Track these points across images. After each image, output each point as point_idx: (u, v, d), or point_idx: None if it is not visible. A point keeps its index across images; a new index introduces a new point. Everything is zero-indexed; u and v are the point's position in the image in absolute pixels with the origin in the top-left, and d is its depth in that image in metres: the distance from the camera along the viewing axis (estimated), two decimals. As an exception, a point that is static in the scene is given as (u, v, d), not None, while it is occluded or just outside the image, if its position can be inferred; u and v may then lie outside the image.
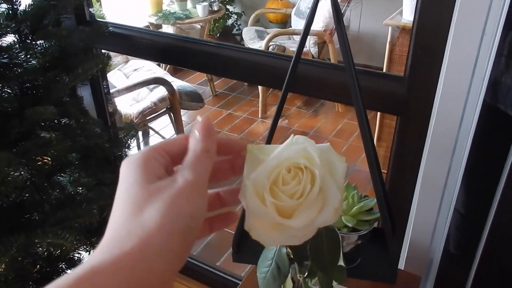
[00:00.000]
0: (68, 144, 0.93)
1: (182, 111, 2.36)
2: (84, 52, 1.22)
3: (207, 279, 1.66)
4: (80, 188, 1.18)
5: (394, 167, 0.93)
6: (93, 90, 1.47)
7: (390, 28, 2.31)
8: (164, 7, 3.38)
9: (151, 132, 2.74)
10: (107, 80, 1.52)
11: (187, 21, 3.24)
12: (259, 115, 3.09)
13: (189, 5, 3.40)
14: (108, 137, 1.20)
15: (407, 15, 2.30)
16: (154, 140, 2.72)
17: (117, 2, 3.22)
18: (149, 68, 2.53)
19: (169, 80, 2.26)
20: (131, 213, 0.27)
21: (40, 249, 0.81)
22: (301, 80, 1.01)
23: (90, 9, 1.37)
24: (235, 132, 2.91)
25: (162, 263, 0.26)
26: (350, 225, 0.61)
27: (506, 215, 0.61)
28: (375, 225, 0.70)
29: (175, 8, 3.35)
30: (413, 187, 0.90)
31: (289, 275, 0.45)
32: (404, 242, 0.89)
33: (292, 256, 0.39)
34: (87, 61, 1.17)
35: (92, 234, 1.23)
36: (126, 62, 2.63)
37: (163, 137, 2.57)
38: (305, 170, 0.31)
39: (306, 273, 0.45)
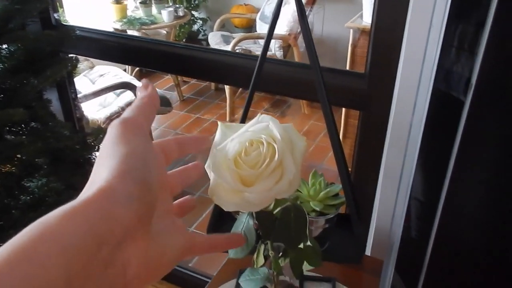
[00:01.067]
0: (39, 146, 0.94)
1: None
2: (51, 56, 1.22)
3: (180, 280, 1.67)
4: (49, 192, 1.18)
5: (359, 159, 0.98)
6: (60, 94, 1.47)
7: (351, 30, 2.39)
8: (129, 13, 3.37)
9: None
10: (74, 85, 1.52)
11: (152, 26, 3.24)
12: (227, 118, 3.12)
13: (154, 10, 3.40)
14: (77, 140, 1.21)
15: (367, 18, 2.39)
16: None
17: (80, 8, 3.19)
18: (115, 74, 2.52)
19: (136, 85, 2.26)
20: (96, 165, 0.27)
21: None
22: (268, 79, 1.04)
23: (55, 14, 1.37)
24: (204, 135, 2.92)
25: (120, 208, 0.24)
26: (317, 209, 0.65)
27: (455, 199, 0.65)
28: (342, 211, 0.74)
29: (139, 14, 3.35)
30: (377, 177, 0.95)
31: (262, 252, 0.48)
32: (370, 229, 0.94)
33: (259, 231, 0.42)
34: (54, 64, 1.18)
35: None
36: (92, 68, 2.61)
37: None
38: (267, 144, 0.35)
39: (280, 254, 0.49)
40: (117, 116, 1.54)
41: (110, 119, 2.14)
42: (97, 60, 2.65)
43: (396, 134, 0.89)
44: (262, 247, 0.48)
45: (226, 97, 3.21)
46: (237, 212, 0.71)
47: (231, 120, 3.12)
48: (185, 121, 3.11)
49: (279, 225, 0.42)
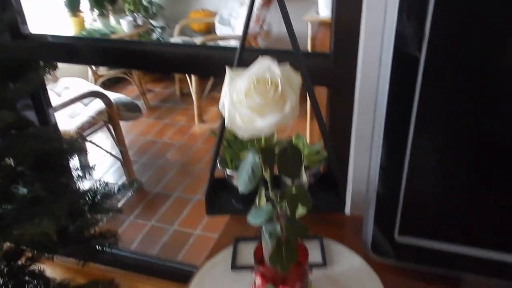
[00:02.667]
0: (29, 147, 0.97)
1: (122, 122, 2.39)
2: (27, 64, 1.25)
3: (170, 274, 1.72)
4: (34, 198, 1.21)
5: (331, 130, 1.07)
6: (35, 103, 1.49)
7: (309, 25, 2.51)
8: (87, 25, 3.38)
9: (90, 147, 2.74)
10: (47, 93, 1.55)
11: (112, 37, 3.26)
12: (196, 120, 3.18)
13: (112, 21, 3.42)
14: (62, 142, 1.24)
15: (323, 11, 2.51)
16: (93, 156, 2.71)
17: (38, 23, 3.17)
18: (81, 85, 2.53)
19: (105, 93, 2.29)
20: None
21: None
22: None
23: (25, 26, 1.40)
24: (175, 139, 2.97)
25: None
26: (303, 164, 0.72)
27: (417, 158, 0.74)
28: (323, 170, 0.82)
29: (98, 25, 3.36)
30: (349, 146, 1.04)
31: (263, 194, 0.56)
32: (348, 191, 1.03)
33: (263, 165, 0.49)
34: (32, 71, 1.21)
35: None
36: (56, 81, 2.62)
37: (107, 152, 2.58)
38: (270, 80, 0.43)
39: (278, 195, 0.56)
40: (88, 125, 1.60)
41: (81, 129, 2.16)
42: (60, 73, 2.66)
43: (364, 103, 0.98)
44: (263, 190, 0.55)
45: (191, 101, 3.27)
46: (231, 179, 0.78)
47: (200, 122, 3.18)
48: (154, 128, 3.14)
49: (279, 160, 0.49)
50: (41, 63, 1.35)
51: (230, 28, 3.36)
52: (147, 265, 1.76)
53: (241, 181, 0.50)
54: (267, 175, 0.54)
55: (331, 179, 0.81)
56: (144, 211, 2.26)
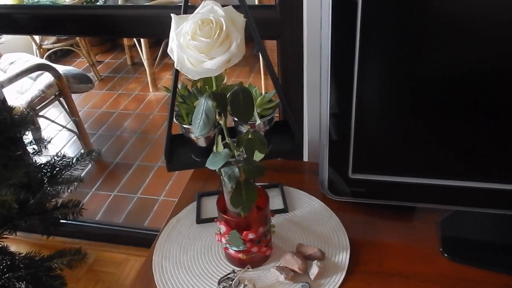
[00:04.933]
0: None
1: (74, 96, 2.33)
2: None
3: (137, 240, 1.73)
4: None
5: (283, 81, 1.09)
6: (-22, 78, 1.43)
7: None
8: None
9: (42, 125, 2.66)
10: (-9, 67, 1.49)
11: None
12: (150, 90, 3.13)
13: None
14: (10, 116, 1.21)
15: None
16: (48, 132, 2.64)
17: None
18: (26, 59, 2.43)
19: (52, 66, 2.21)
20: None
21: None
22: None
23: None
24: (130, 109, 2.92)
25: None
26: (257, 111, 0.74)
27: (364, 99, 0.77)
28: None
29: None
30: (302, 94, 1.06)
31: (219, 140, 0.57)
32: (304, 140, 1.06)
33: (217, 108, 0.51)
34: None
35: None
36: (-1, 57, 2.50)
37: (61, 125, 2.52)
38: (214, 21, 0.44)
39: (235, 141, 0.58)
40: (39, 100, 1.56)
41: (32, 103, 2.09)
42: (3, 49, 2.54)
43: (312, 52, 1.00)
44: (220, 137, 0.57)
45: (143, 70, 3.21)
46: (189, 134, 0.79)
47: (155, 91, 3.13)
48: (107, 99, 3.07)
49: (231, 103, 0.51)
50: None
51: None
52: (113, 233, 1.77)
53: (196, 126, 0.51)
54: (222, 122, 0.55)
55: (286, 127, 0.83)
56: (106, 183, 2.24)
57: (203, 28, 0.44)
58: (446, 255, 0.78)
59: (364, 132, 0.78)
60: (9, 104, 1.70)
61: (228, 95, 0.50)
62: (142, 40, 2.99)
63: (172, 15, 0.46)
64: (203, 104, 0.50)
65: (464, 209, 0.79)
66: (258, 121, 0.70)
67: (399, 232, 0.84)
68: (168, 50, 0.47)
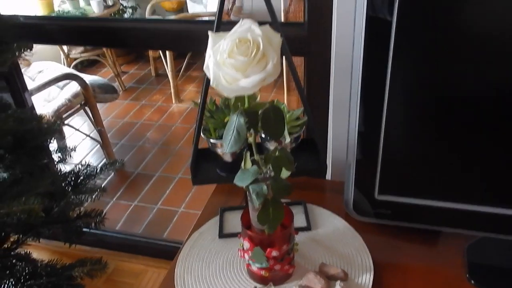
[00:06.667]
0: (8, 128, 0.97)
1: (98, 105, 2.37)
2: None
3: (156, 252, 1.74)
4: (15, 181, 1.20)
5: (309, 98, 1.09)
6: (10, 86, 1.47)
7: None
8: (56, 8, 3.29)
9: (67, 134, 2.71)
10: (22, 76, 1.52)
11: (83, 19, 3.19)
12: (173, 101, 3.16)
13: (81, 3, 3.34)
14: (39, 124, 1.24)
15: (295, -15, 2.51)
16: (72, 140, 2.69)
17: (3, 6, 3.08)
18: (55, 68, 2.49)
19: (80, 76, 2.26)
20: None
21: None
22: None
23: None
24: (153, 120, 2.96)
25: None
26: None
27: (393, 120, 0.76)
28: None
29: (67, 7, 3.28)
30: (327, 112, 1.06)
31: (248, 157, 0.57)
32: (328, 158, 1.06)
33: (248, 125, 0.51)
34: (2, 53, 1.18)
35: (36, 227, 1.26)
36: (29, 65, 2.56)
37: (85, 134, 2.56)
38: (252, 40, 0.44)
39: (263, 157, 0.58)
40: (65, 109, 1.59)
41: (58, 112, 2.13)
42: (33, 56, 2.60)
43: (340, 70, 1.00)
44: (248, 154, 0.57)
45: (167, 81, 3.25)
46: (215, 148, 0.79)
47: (178, 102, 3.17)
48: (131, 109, 3.12)
49: (263, 121, 0.51)
50: (14, 44, 1.32)
51: (202, 6, 3.33)
52: (133, 244, 1.78)
53: (227, 142, 0.51)
54: (251, 139, 0.55)
55: (311, 145, 0.83)
56: (127, 192, 2.26)
57: (240, 46, 0.45)
58: (473, 282, 0.77)
59: (392, 152, 0.77)
60: (37, 113, 1.74)
61: (259, 113, 0.51)
62: (167, 52, 3.03)
63: (209, 32, 0.47)
64: (235, 121, 0.51)
65: (491, 236, 0.77)
66: (288, 139, 0.70)
67: (424, 256, 0.82)
68: (204, 68, 0.48)
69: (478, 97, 0.68)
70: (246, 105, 0.52)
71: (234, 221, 0.91)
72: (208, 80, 0.67)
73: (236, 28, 0.46)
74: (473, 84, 0.67)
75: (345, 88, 1.01)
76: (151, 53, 3.51)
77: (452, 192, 0.75)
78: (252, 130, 0.52)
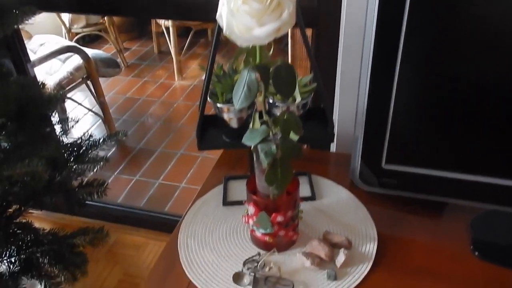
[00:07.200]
0: (12, 94, 0.96)
1: (100, 80, 2.35)
2: None
3: (158, 225, 1.75)
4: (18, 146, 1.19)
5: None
6: (12, 55, 1.46)
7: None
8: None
9: (68, 108, 2.69)
10: (25, 46, 1.51)
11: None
12: (175, 78, 3.14)
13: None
14: (41, 93, 1.22)
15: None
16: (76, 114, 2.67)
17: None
18: (56, 41, 2.46)
19: (82, 49, 2.24)
20: None
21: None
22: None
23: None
24: (155, 97, 2.94)
25: None
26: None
27: (402, 95, 0.75)
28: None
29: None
30: (334, 83, 1.05)
31: (257, 117, 0.57)
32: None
33: (260, 80, 0.50)
34: (3, 16, 1.16)
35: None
36: (30, 38, 2.54)
37: (87, 108, 2.55)
38: None
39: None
40: (67, 82, 1.56)
41: (60, 84, 2.12)
42: (33, 30, 2.58)
43: (348, 44, 0.99)
44: (257, 114, 0.56)
45: (170, 59, 3.23)
46: (222, 113, 0.78)
47: (180, 79, 3.15)
48: (133, 85, 3.10)
49: (274, 78, 0.50)
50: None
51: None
52: (134, 216, 1.78)
53: (238, 98, 0.51)
54: (260, 98, 0.55)
55: (318, 115, 0.82)
56: (128, 167, 2.26)
57: (255, -7, 0.43)
58: (477, 254, 0.76)
59: (400, 122, 0.77)
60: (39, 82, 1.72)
61: (271, 69, 0.50)
62: (170, 28, 3.00)
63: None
64: (246, 76, 0.50)
65: (497, 208, 0.77)
66: (299, 99, 0.69)
67: (428, 229, 0.82)
68: (217, 16, 0.47)
69: (488, 73, 0.67)
70: (258, 60, 0.51)
71: (238, 189, 0.91)
72: (217, 41, 0.66)
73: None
74: (483, 64, 0.66)
75: (352, 61, 1.00)
76: (154, 29, 3.48)
77: (459, 163, 0.75)
78: (262, 87, 0.51)
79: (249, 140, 0.56)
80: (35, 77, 1.56)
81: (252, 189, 0.73)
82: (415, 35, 0.69)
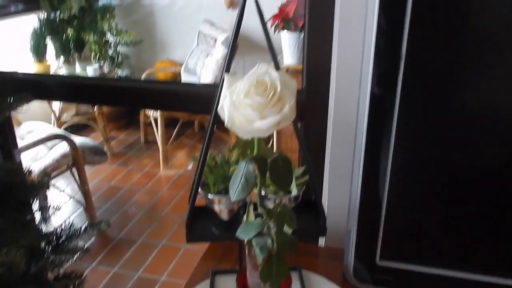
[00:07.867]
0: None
1: (86, 167, 2.33)
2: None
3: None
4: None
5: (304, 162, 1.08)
6: (1, 143, 1.45)
7: (275, 72, 2.59)
8: (52, 72, 3.35)
9: (50, 195, 2.64)
10: (14, 132, 1.51)
11: (78, 83, 3.23)
12: (161, 167, 3.14)
13: (78, 69, 3.41)
14: (25, 179, 1.20)
15: (287, 60, 2.61)
16: (57, 202, 2.61)
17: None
18: (45, 129, 2.48)
19: (70, 137, 2.25)
20: None
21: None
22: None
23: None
24: (139, 185, 2.91)
25: None
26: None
27: (396, 189, 0.76)
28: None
29: (63, 72, 3.34)
30: (322, 176, 1.05)
31: (251, 210, 0.55)
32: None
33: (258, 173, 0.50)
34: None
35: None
36: (19, 125, 2.55)
37: (69, 196, 2.50)
38: (269, 83, 0.44)
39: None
40: (52, 169, 1.55)
41: (45, 171, 2.09)
42: (24, 117, 2.60)
43: (337, 135, 1.01)
44: (252, 207, 0.55)
45: (156, 148, 3.25)
46: (212, 204, 0.77)
47: (166, 168, 3.14)
48: (118, 174, 3.08)
49: (271, 170, 0.50)
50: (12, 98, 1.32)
51: (195, 77, 3.41)
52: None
53: (234, 190, 0.50)
54: (256, 190, 0.54)
55: (309, 208, 0.82)
56: (107, 258, 2.16)
57: (257, 88, 0.45)
58: None
59: (395, 218, 0.76)
60: (25, 168, 1.70)
61: (268, 161, 0.50)
62: (159, 118, 3.06)
63: (225, 74, 0.47)
64: (244, 168, 0.50)
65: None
66: (295, 191, 0.69)
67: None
68: (219, 109, 0.47)
69: (484, 167, 0.68)
70: (256, 152, 0.51)
71: (226, 285, 0.86)
72: (211, 132, 0.66)
73: (253, 70, 0.47)
74: (478, 155, 0.68)
75: (342, 152, 1.01)
76: (142, 119, 3.54)
77: (457, 260, 0.73)
78: (258, 179, 0.51)
79: (244, 233, 0.55)
80: (20, 163, 1.54)
81: (242, 285, 0.69)
82: (406, 133, 0.71)
